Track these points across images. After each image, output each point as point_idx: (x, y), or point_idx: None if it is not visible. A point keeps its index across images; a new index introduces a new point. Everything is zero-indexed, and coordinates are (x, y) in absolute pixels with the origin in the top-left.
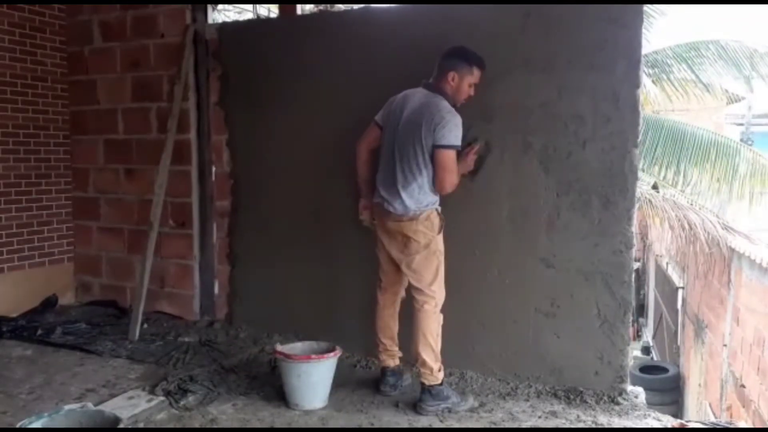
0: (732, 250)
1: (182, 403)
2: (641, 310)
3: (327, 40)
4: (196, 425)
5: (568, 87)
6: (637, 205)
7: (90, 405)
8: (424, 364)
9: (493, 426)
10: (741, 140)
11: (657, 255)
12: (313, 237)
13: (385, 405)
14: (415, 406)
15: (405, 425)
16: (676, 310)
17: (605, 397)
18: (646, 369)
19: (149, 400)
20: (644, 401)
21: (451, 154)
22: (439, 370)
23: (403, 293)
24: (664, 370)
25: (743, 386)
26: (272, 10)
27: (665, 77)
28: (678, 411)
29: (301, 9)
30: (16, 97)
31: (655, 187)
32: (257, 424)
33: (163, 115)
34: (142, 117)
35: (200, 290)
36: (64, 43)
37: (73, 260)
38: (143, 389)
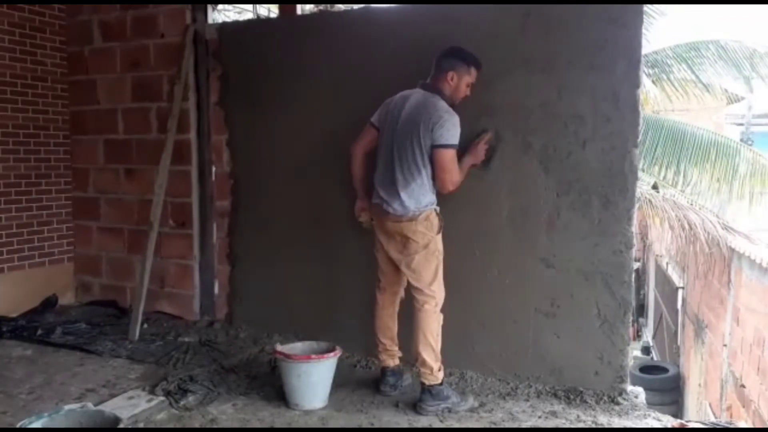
0: (732, 250)
1: (182, 403)
2: (641, 310)
3: (327, 40)
4: (196, 425)
5: (568, 87)
6: (637, 205)
7: (90, 405)
8: (424, 363)
9: (493, 426)
10: (741, 140)
11: (657, 255)
12: (313, 237)
13: (385, 405)
14: (415, 406)
15: (405, 425)
16: (676, 310)
17: (605, 397)
18: (646, 369)
19: (149, 400)
20: (644, 401)
21: (449, 154)
22: (439, 370)
23: (402, 293)
24: (664, 370)
25: (743, 386)
26: (272, 10)
27: (665, 77)
28: (678, 411)
29: (301, 9)
30: (16, 97)
31: (655, 187)
32: (257, 424)
33: (163, 115)
34: (142, 117)
35: (200, 290)
36: (64, 43)
37: (73, 260)
38: (143, 389)
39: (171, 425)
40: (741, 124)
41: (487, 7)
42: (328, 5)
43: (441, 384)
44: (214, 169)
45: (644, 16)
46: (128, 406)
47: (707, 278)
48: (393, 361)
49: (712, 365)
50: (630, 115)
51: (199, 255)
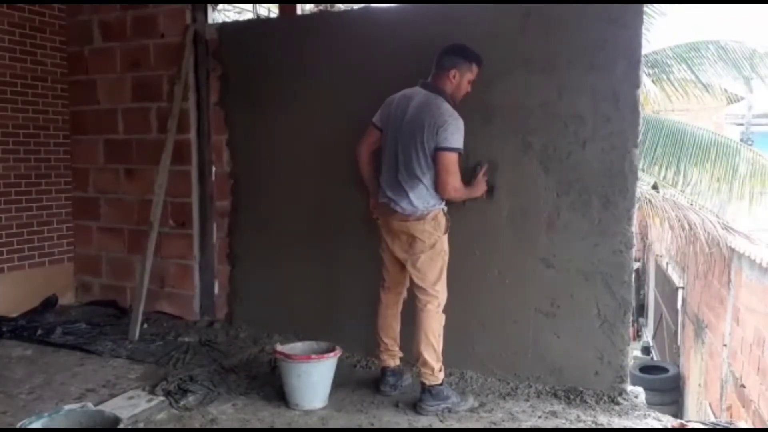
0: (732, 250)
1: (182, 403)
2: (641, 310)
3: (327, 40)
4: (196, 425)
5: (568, 87)
6: (637, 205)
7: (90, 405)
8: (425, 363)
9: (493, 426)
10: (741, 140)
11: (657, 255)
12: (313, 237)
13: (385, 405)
14: (415, 406)
15: (405, 425)
16: (676, 310)
17: (605, 397)
18: (646, 369)
19: (149, 400)
20: (644, 401)
21: (452, 157)
22: (440, 371)
23: (405, 293)
24: (664, 370)
25: (743, 386)
26: (272, 10)
27: (665, 77)
28: (678, 411)
29: (301, 9)
30: (16, 97)
31: (655, 187)
32: (257, 424)
33: (163, 115)
34: (142, 117)
35: (200, 290)
36: (64, 43)
37: (73, 260)
38: (143, 389)
39: (171, 425)
40: (741, 124)
41: (487, 7)
42: (328, 5)
43: (441, 384)
44: (214, 169)
45: (644, 16)
46: (128, 406)
47: (707, 278)
48: (394, 361)
49: (712, 365)
50: (630, 115)
51: (199, 255)
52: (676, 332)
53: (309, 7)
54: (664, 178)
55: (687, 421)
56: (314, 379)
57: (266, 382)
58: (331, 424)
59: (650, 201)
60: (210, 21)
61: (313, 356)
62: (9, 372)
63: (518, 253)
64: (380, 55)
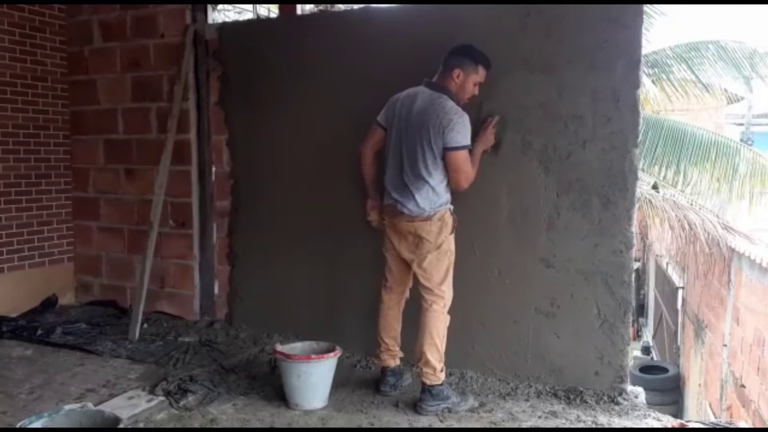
0: (732, 250)
1: (182, 403)
2: (641, 310)
3: (327, 40)
4: (196, 425)
5: (568, 87)
6: (637, 205)
7: (90, 405)
8: (427, 363)
9: (493, 426)
10: (741, 140)
11: (657, 255)
12: (313, 237)
13: (385, 405)
14: (415, 406)
15: (405, 425)
16: (676, 310)
17: (605, 397)
18: (646, 369)
19: (149, 400)
20: (644, 401)
21: (462, 155)
22: (442, 371)
23: (408, 294)
24: (664, 370)
25: (743, 386)
26: (272, 10)
27: (665, 77)
28: (678, 411)
29: (301, 9)
30: (16, 97)
31: (655, 187)
32: (257, 424)
33: (163, 115)
34: (142, 117)
35: (200, 290)
36: (64, 43)
37: (73, 260)
38: (143, 389)
39: (171, 425)
40: (741, 124)
41: (488, 6)
42: (328, 5)
43: (441, 384)
44: (214, 169)
45: (644, 16)
46: (128, 406)
47: (707, 278)
48: (394, 362)
49: (712, 365)
50: (630, 115)
51: (199, 255)
52: (676, 332)
53: (309, 7)
54: (664, 178)
55: (687, 421)
56: (314, 379)
57: (266, 382)
58: (331, 424)
59: (650, 201)
60: (210, 21)
61: (313, 356)
62: (9, 372)
63: (518, 253)
64: (380, 55)
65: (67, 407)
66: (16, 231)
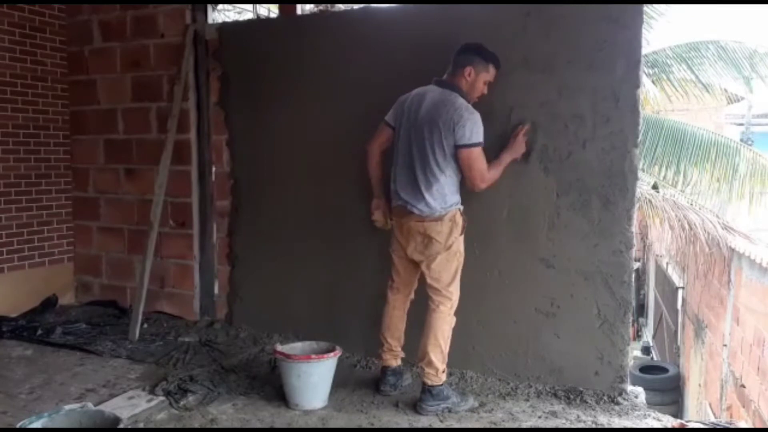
0: (732, 250)
1: (182, 403)
2: (641, 310)
3: (327, 40)
4: (196, 425)
5: (568, 87)
6: (637, 205)
7: (90, 405)
8: (430, 364)
9: (493, 426)
10: (741, 140)
11: (657, 255)
12: (312, 237)
13: (385, 405)
14: (415, 406)
15: (405, 425)
16: (676, 310)
17: (605, 397)
18: (646, 369)
19: (149, 400)
20: (644, 401)
21: (474, 152)
22: (443, 372)
23: (413, 295)
24: (664, 370)
25: (743, 386)
26: (272, 10)
27: (665, 77)
28: (678, 411)
29: (301, 9)
30: (16, 97)
31: (655, 187)
32: (257, 424)
33: (163, 115)
34: (142, 117)
35: (200, 290)
36: (64, 43)
37: (73, 260)
38: (143, 389)
39: (171, 425)
40: (741, 124)
41: (487, 6)
42: (328, 5)
43: (442, 384)
44: (214, 169)
45: (644, 16)
46: (128, 406)
47: (707, 278)
48: (395, 362)
49: (712, 365)
50: (630, 115)
51: (199, 255)
52: (676, 332)
53: (309, 7)
54: (664, 178)
55: (687, 421)
56: (314, 379)
57: (266, 382)
58: (331, 424)
59: (650, 201)
60: (210, 21)
61: (313, 356)
62: (9, 372)
63: (518, 253)
64: (381, 55)
65: (67, 407)
66: (16, 231)
